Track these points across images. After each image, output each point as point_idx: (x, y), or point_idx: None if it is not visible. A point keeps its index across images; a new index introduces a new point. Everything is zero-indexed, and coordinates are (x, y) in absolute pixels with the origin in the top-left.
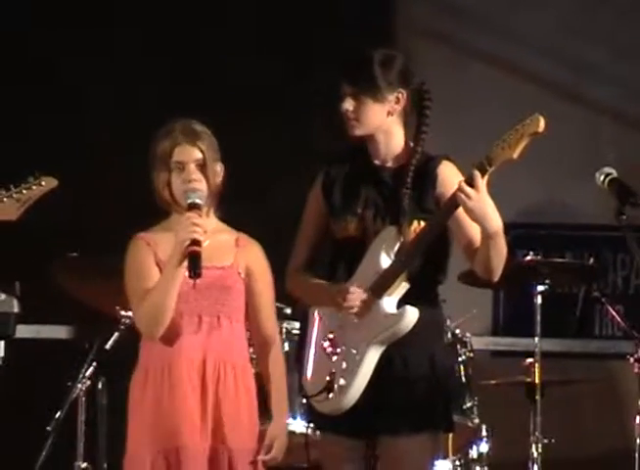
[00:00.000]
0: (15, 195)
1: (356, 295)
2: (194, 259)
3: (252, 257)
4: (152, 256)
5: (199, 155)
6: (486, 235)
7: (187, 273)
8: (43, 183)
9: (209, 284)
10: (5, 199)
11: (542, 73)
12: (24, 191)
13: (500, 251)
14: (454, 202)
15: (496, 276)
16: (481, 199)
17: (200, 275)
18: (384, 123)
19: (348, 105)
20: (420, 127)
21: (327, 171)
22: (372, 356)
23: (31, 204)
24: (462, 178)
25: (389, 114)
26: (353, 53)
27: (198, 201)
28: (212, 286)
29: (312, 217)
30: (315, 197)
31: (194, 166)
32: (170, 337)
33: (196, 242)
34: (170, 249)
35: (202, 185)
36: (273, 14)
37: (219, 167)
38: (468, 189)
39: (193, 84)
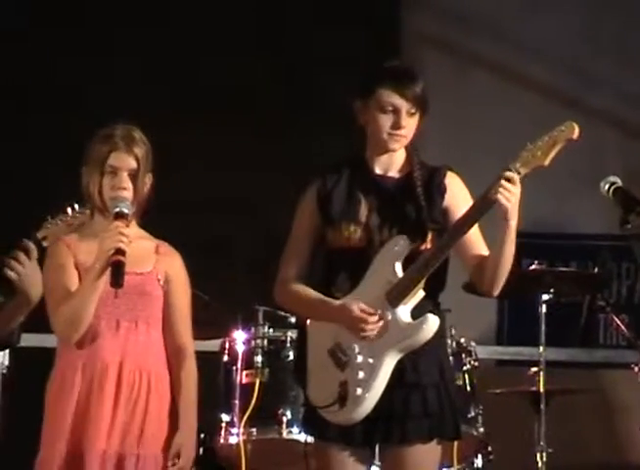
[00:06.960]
0: (70, 219)
1: (373, 320)
2: (117, 269)
3: (172, 265)
4: (71, 258)
5: (133, 164)
6: (510, 232)
7: (109, 282)
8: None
9: (129, 289)
10: (59, 222)
11: (548, 83)
12: (78, 215)
13: (511, 255)
14: (486, 203)
15: (498, 288)
16: (518, 198)
17: (122, 285)
18: None
19: (406, 121)
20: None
21: (322, 181)
22: (389, 365)
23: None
24: (467, 191)
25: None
26: (400, 69)
27: (125, 210)
28: (131, 292)
29: (306, 226)
30: (309, 206)
31: (126, 175)
32: (88, 340)
33: (120, 251)
34: (91, 252)
35: (129, 194)
36: (274, 17)
37: (148, 179)
38: (510, 186)
39: (193, 85)
